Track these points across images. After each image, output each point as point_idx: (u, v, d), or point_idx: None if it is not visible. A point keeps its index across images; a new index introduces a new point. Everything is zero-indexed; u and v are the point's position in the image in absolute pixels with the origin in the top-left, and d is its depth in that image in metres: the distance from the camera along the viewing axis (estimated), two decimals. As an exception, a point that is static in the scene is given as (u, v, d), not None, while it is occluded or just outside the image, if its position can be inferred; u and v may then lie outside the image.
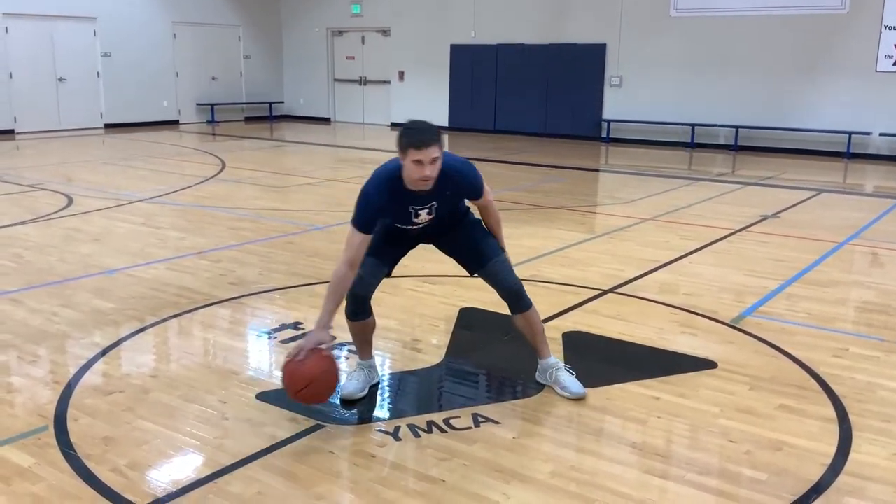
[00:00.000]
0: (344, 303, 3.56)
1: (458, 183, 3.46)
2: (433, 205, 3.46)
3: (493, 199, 3.68)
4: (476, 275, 3.77)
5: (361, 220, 3.36)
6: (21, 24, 16.03)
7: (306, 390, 3.30)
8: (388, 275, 3.76)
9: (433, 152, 3.22)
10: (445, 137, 3.31)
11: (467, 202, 3.73)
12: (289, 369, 3.33)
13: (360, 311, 3.69)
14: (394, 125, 19.19)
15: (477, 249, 3.70)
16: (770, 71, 14.42)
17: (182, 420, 3.49)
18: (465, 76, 17.95)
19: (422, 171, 3.23)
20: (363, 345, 3.83)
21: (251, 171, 11.60)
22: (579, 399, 3.72)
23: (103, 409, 3.57)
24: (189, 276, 5.81)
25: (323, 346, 3.35)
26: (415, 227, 3.56)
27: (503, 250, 3.73)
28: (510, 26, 17.10)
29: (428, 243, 3.77)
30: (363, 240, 3.37)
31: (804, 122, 14.27)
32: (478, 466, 3.12)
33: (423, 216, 3.49)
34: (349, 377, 3.80)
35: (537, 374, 3.90)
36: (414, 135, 3.23)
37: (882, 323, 4.97)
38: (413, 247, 3.79)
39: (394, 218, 3.51)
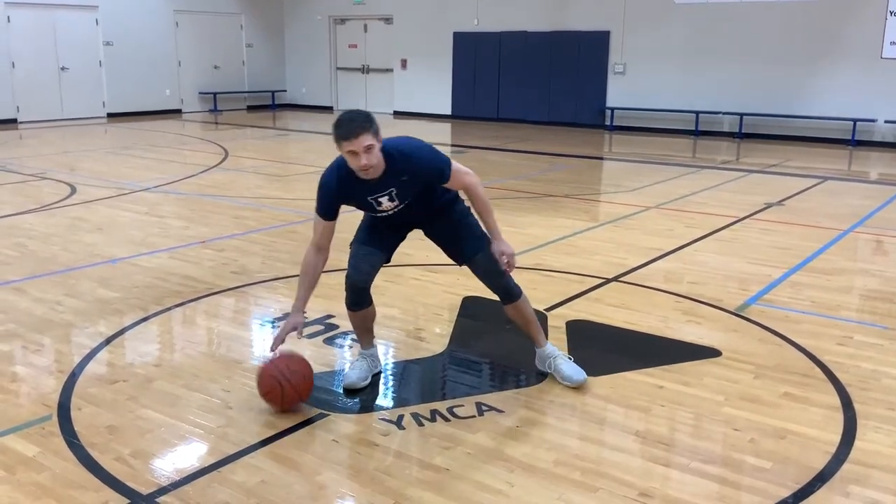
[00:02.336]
0: (345, 294, 3.63)
1: (411, 167, 3.35)
2: (391, 191, 3.40)
3: (475, 181, 3.51)
4: (465, 264, 3.75)
5: (320, 207, 3.47)
6: (23, 14, 15.99)
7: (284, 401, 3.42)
8: (387, 261, 3.75)
9: (364, 140, 3.17)
10: (381, 124, 3.26)
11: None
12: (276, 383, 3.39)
13: (359, 300, 3.69)
14: (396, 114, 19.15)
15: (459, 243, 3.67)
16: (774, 58, 14.35)
17: (185, 409, 3.49)
18: (468, 64, 17.89)
19: (357, 161, 3.21)
20: (364, 334, 3.83)
21: (254, 160, 11.59)
22: (581, 386, 3.71)
23: (107, 398, 3.58)
24: (192, 265, 5.80)
25: (297, 328, 3.48)
26: (387, 213, 3.52)
27: (489, 242, 3.61)
28: (513, 14, 17.02)
29: (419, 228, 3.73)
30: (325, 226, 3.47)
31: (809, 110, 14.21)
32: (481, 455, 3.12)
33: (386, 203, 3.45)
34: (352, 366, 3.80)
35: (536, 362, 3.90)
36: (342, 126, 3.20)
37: (886, 311, 4.95)
38: (404, 234, 3.76)
39: (358, 206, 3.51)
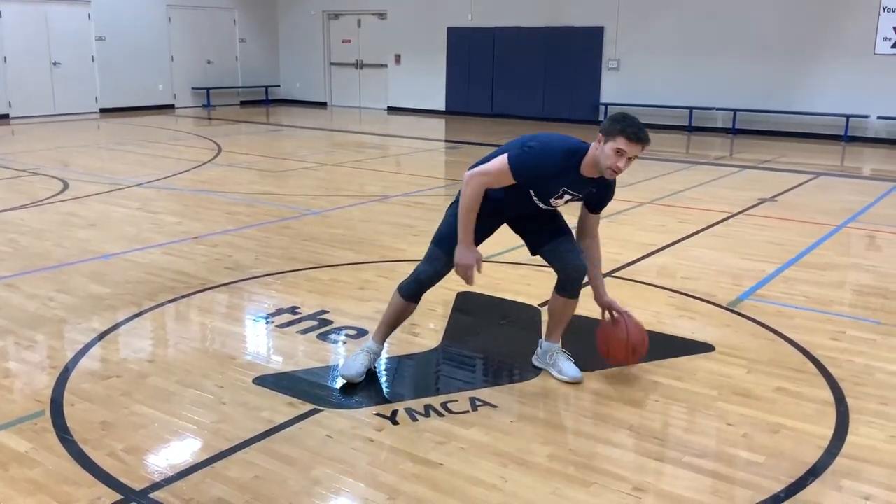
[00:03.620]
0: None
1: (606, 187, 3.53)
2: (578, 195, 3.49)
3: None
4: (540, 252, 3.72)
5: (523, 171, 3.35)
6: (15, 8, 15.91)
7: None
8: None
9: (638, 151, 3.25)
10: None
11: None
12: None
13: (418, 295, 3.72)
14: (390, 109, 19.13)
15: (553, 224, 3.68)
16: (768, 54, 14.37)
17: (179, 405, 3.49)
18: (462, 59, 17.87)
19: (618, 161, 3.24)
20: (390, 328, 3.82)
21: (247, 156, 11.56)
22: (576, 383, 3.72)
23: (100, 394, 3.57)
24: (185, 260, 5.79)
25: (480, 259, 3.48)
26: (543, 205, 3.55)
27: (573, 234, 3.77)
28: (507, 9, 17.01)
29: (528, 219, 3.74)
30: (509, 181, 3.39)
31: (802, 106, 14.24)
32: (475, 450, 3.12)
33: (564, 199, 3.51)
34: (353, 357, 3.79)
35: (535, 357, 3.90)
36: (632, 126, 3.23)
37: (879, 306, 4.97)
38: (487, 236, 3.75)
39: (539, 190, 3.46)
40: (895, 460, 3.09)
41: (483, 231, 3.62)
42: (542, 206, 3.56)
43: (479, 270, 3.50)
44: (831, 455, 3.11)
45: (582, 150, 3.36)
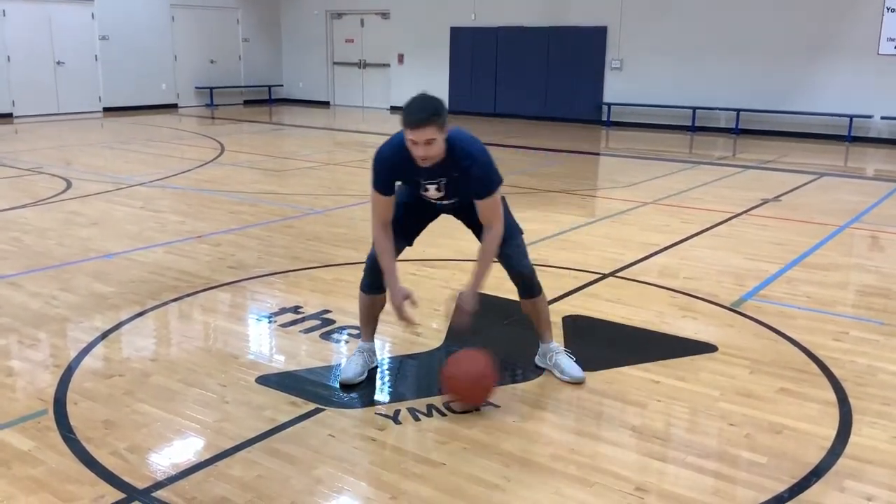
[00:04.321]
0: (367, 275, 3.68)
1: (466, 166, 3.30)
2: (441, 181, 3.39)
3: (500, 230, 3.43)
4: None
5: (376, 182, 3.41)
6: (19, 8, 15.93)
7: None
8: (410, 245, 3.73)
9: (427, 133, 3.13)
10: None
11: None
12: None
13: (375, 283, 3.67)
14: (393, 109, 19.13)
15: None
16: (771, 54, 14.35)
17: (182, 404, 3.49)
18: (465, 59, 17.87)
19: (416, 150, 3.19)
20: (369, 324, 3.82)
21: (250, 155, 11.57)
22: (578, 383, 3.71)
23: (103, 393, 3.57)
24: (188, 259, 5.79)
25: (408, 296, 3.45)
26: (430, 199, 3.50)
27: (521, 232, 3.66)
28: (511, 9, 17.00)
29: (448, 213, 3.68)
30: (385, 202, 3.41)
31: (805, 106, 14.22)
32: (478, 450, 3.12)
33: (433, 192, 3.43)
34: (348, 361, 3.80)
35: (537, 357, 3.90)
36: (410, 113, 3.15)
37: (882, 306, 4.97)
38: (428, 223, 3.73)
39: (406, 185, 3.47)
40: (898, 461, 3.08)
41: (413, 224, 3.65)
42: (435, 203, 3.52)
43: (413, 304, 3.48)
44: (834, 456, 3.11)
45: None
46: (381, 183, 3.40)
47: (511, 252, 3.62)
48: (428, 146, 3.17)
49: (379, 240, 3.47)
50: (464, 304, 3.51)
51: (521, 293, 3.76)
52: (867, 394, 3.66)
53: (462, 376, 3.43)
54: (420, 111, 3.14)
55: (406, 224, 3.62)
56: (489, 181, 3.36)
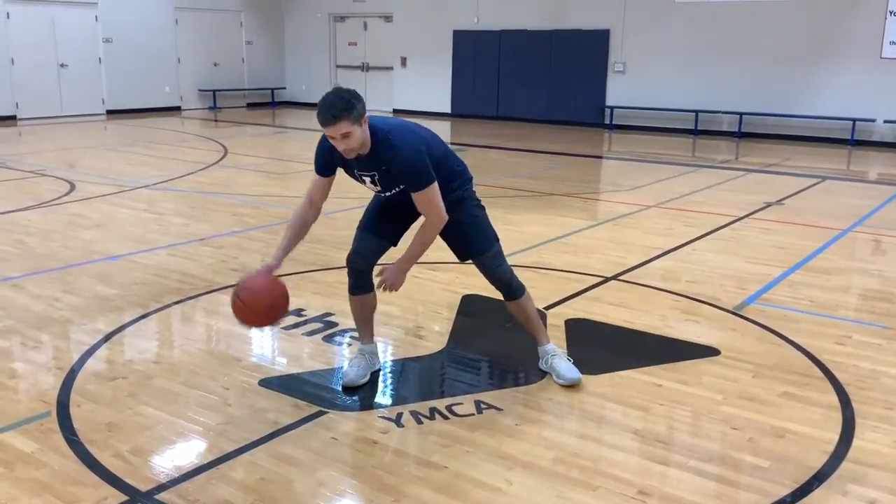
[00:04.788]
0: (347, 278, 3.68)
1: (389, 159, 3.30)
2: (374, 175, 3.41)
3: (437, 224, 3.40)
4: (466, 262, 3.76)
5: (316, 164, 3.50)
6: (22, 10, 15.97)
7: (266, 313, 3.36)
8: (394, 245, 3.73)
9: (341, 128, 3.15)
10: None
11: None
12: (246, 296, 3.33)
13: (359, 284, 3.69)
14: (396, 111, 19.14)
15: (468, 241, 3.66)
16: (774, 57, 14.35)
17: (185, 406, 3.49)
18: (467, 62, 17.88)
19: (337, 145, 3.23)
20: (364, 325, 3.82)
21: (253, 158, 11.58)
22: (573, 385, 3.70)
23: (106, 395, 3.58)
24: (191, 262, 5.80)
25: (270, 270, 3.46)
26: (380, 194, 3.54)
27: (497, 240, 3.67)
28: (513, 12, 17.01)
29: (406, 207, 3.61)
30: (318, 180, 3.50)
31: (808, 109, 14.21)
32: (480, 453, 3.12)
33: (369, 184, 3.47)
34: (350, 364, 3.80)
35: (539, 361, 3.90)
36: (321, 112, 3.17)
37: (885, 310, 4.96)
38: (408, 223, 3.70)
39: (347, 174, 3.52)
40: (901, 465, 3.08)
41: (390, 225, 3.67)
42: (379, 195, 3.58)
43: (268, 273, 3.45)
44: (837, 460, 3.10)
45: None
46: (318, 163, 3.49)
47: (486, 262, 3.66)
48: (346, 139, 3.19)
49: (296, 213, 3.54)
50: (384, 275, 3.49)
51: (504, 296, 3.80)
52: (870, 398, 3.66)
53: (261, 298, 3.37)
54: (329, 108, 3.15)
55: (383, 225, 3.65)
56: (414, 176, 3.31)
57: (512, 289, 3.74)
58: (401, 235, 3.74)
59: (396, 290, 3.53)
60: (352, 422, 3.40)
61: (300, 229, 3.55)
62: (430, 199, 3.36)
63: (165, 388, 3.68)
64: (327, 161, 3.45)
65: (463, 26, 17.78)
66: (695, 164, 11.58)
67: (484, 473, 2.96)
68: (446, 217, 3.42)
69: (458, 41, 17.96)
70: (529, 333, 3.88)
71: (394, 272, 3.50)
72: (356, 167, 3.41)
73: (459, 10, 17.74)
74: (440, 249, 3.81)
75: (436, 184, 3.35)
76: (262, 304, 3.33)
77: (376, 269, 3.59)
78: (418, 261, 3.56)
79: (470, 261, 3.73)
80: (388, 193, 3.51)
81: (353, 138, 3.19)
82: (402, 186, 3.42)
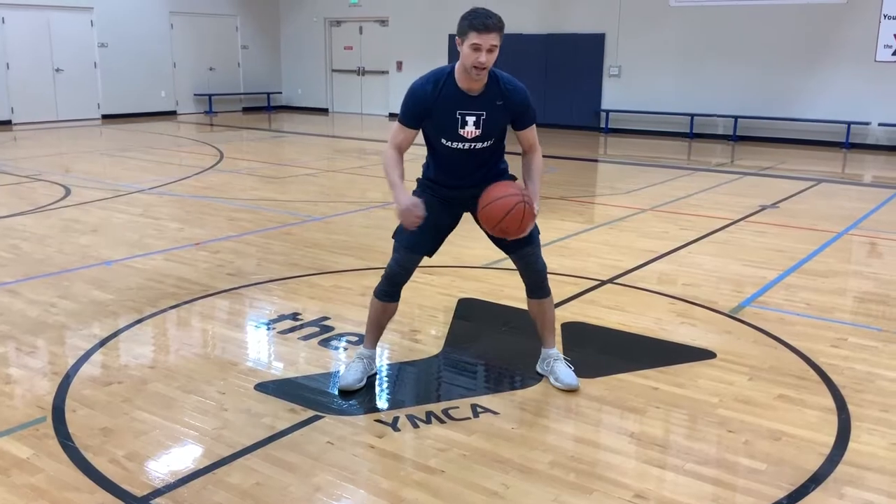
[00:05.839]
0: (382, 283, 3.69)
1: (510, 95, 3.40)
2: (482, 115, 3.39)
3: (540, 153, 3.64)
4: (508, 255, 3.72)
5: (406, 115, 3.44)
6: (18, 15, 15.95)
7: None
8: (430, 256, 3.70)
9: (493, 39, 3.21)
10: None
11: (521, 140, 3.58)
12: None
13: (391, 293, 3.69)
14: (391, 116, 19.15)
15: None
16: (769, 61, 14.39)
17: (181, 411, 3.49)
18: (463, 66, 17.87)
19: (478, 56, 3.22)
20: (376, 331, 3.81)
21: (249, 162, 11.58)
22: (572, 390, 3.71)
23: (102, 400, 3.57)
24: (187, 266, 5.80)
25: (417, 205, 3.37)
26: (461, 146, 3.45)
27: (538, 233, 3.66)
28: (509, 15, 16.74)
29: (470, 211, 3.62)
30: (408, 133, 3.47)
31: (803, 112, 14.25)
32: (477, 457, 3.11)
33: (470, 127, 3.40)
34: (347, 368, 3.80)
35: (538, 363, 3.89)
36: (477, 17, 3.22)
37: (880, 313, 4.97)
38: (447, 234, 3.67)
39: (439, 125, 3.43)
40: (897, 468, 3.08)
41: (436, 226, 3.58)
42: (467, 147, 3.45)
43: (420, 214, 3.37)
44: (833, 462, 3.11)
45: (450, 66, 3.41)
46: (411, 113, 3.43)
47: (532, 250, 3.64)
48: (490, 53, 3.23)
49: (392, 157, 3.46)
50: (536, 206, 3.42)
51: (532, 293, 3.76)
52: (866, 400, 3.66)
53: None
54: (489, 16, 3.22)
55: (429, 242, 3.61)
56: (531, 109, 3.52)
57: (544, 285, 3.74)
58: (437, 249, 3.71)
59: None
60: (348, 426, 3.39)
61: (402, 167, 3.48)
62: (536, 134, 3.60)
63: (161, 392, 3.67)
64: (426, 108, 3.40)
65: (458, 30, 17.77)
66: (690, 168, 11.60)
67: (481, 477, 2.96)
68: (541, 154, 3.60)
69: (453, 45, 17.93)
70: (540, 334, 3.86)
71: (536, 203, 3.45)
72: (462, 106, 3.38)
73: (455, 13, 17.41)
74: (437, 253, 3.80)
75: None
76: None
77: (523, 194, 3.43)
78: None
79: (514, 253, 3.65)
80: (475, 145, 3.46)
81: (494, 56, 3.26)
82: (493, 140, 3.48)
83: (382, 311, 3.76)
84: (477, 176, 3.54)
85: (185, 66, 18.95)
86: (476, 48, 3.21)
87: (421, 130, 3.53)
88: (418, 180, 3.69)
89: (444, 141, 3.48)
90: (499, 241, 3.62)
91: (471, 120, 3.40)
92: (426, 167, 3.66)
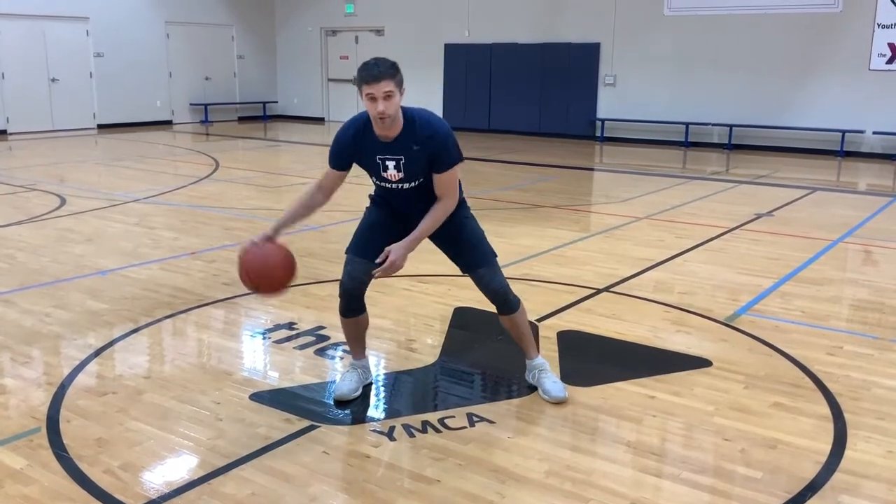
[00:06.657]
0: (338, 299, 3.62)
1: (426, 139, 3.34)
2: (401, 159, 3.38)
3: (452, 203, 3.49)
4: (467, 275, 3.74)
5: (331, 156, 3.53)
6: (13, 24, 15.96)
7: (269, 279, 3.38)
8: (373, 259, 3.61)
9: (385, 86, 3.20)
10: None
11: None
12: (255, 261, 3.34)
13: (351, 307, 3.67)
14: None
15: (469, 253, 3.64)
16: (764, 70, 14.44)
17: (175, 421, 3.47)
18: (458, 75, 17.94)
19: (376, 105, 3.23)
20: (356, 343, 3.81)
21: (245, 171, 11.58)
22: (559, 402, 3.68)
23: (96, 411, 3.56)
24: (183, 276, 5.79)
25: (268, 238, 3.41)
26: (390, 186, 3.48)
27: (495, 255, 3.65)
28: (504, 25, 17.09)
29: (409, 212, 3.59)
30: (332, 173, 3.53)
31: (798, 121, 14.30)
32: (473, 466, 3.11)
33: (392, 170, 3.41)
34: (342, 378, 3.79)
35: (526, 373, 3.89)
36: (365, 69, 3.24)
37: (876, 321, 4.98)
38: (394, 223, 3.63)
39: (366, 166, 3.51)
40: (893, 475, 3.08)
41: (370, 226, 3.66)
42: (395, 187, 3.49)
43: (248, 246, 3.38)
44: (829, 470, 3.10)
45: (367, 113, 3.38)
46: (334, 157, 3.51)
47: (484, 273, 3.63)
48: (386, 101, 3.22)
49: (305, 192, 3.57)
50: (391, 255, 3.37)
51: (498, 310, 3.76)
52: (862, 408, 3.67)
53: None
54: (377, 65, 3.24)
55: (374, 246, 3.52)
56: (450, 153, 3.40)
57: (508, 302, 3.72)
58: (380, 249, 3.68)
59: (399, 269, 3.42)
60: (344, 436, 3.38)
61: (303, 209, 3.57)
62: (454, 179, 3.47)
63: (156, 403, 3.66)
64: (347, 153, 3.47)
65: (454, 40, 17.85)
66: (685, 176, 11.63)
67: (477, 487, 2.95)
68: (457, 201, 3.51)
69: (449, 54, 18.03)
70: (520, 347, 3.87)
71: (400, 251, 3.39)
72: (381, 152, 3.40)
73: (450, 23, 17.81)
74: (432, 262, 3.81)
75: (459, 165, 3.46)
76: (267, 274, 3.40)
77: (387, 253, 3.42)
78: (411, 274, 3.55)
79: (467, 274, 3.69)
80: (403, 185, 3.47)
81: (393, 102, 3.24)
82: (420, 180, 3.44)
83: (354, 326, 3.76)
84: (420, 206, 3.53)
85: (181, 76, 18.96)
86: (372, 98, 3.23)
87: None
88: (370, 196, 3.75)
89: (375, 180, 3.57)
90: (454, 260, 3.69)
91: (391, 164, 3.43)
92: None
